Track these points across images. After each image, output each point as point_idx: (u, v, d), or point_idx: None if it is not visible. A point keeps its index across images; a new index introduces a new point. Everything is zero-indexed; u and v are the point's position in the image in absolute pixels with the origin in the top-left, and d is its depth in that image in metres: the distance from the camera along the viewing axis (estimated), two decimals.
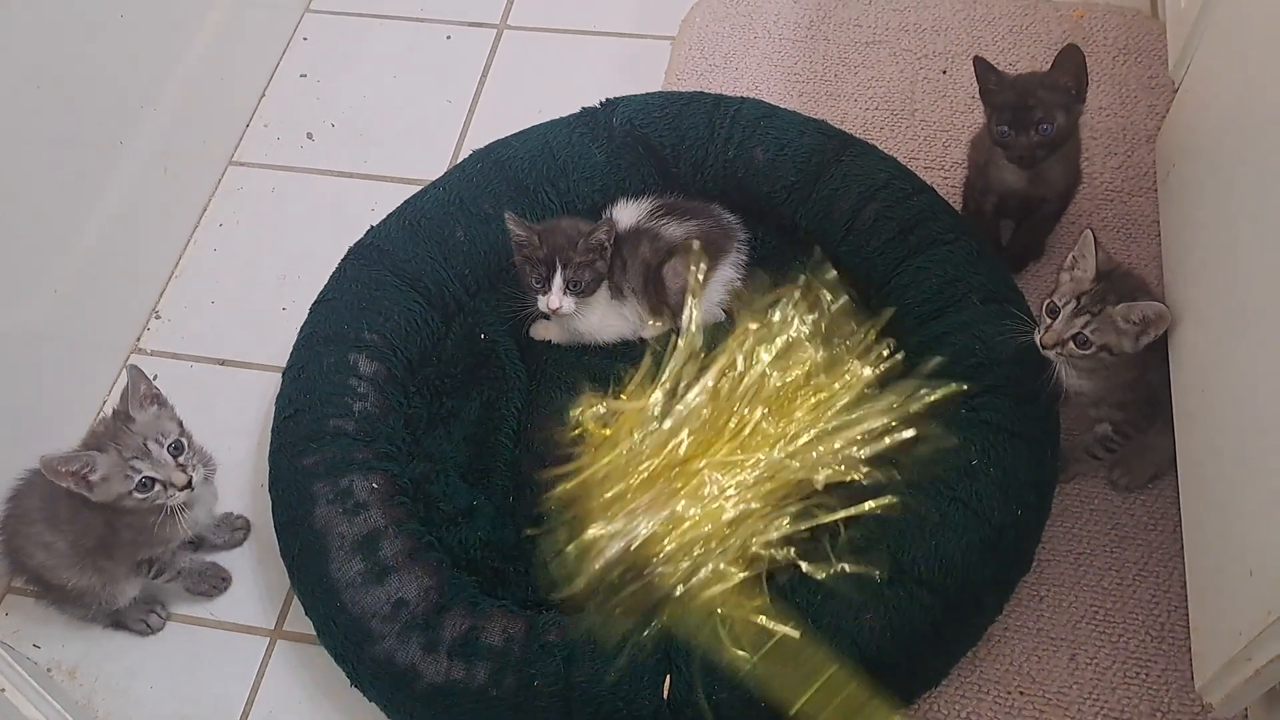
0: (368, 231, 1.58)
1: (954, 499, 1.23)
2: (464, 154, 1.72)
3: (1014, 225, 1.59)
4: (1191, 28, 1.53)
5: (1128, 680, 1.27)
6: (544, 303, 1.45)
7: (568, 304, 1.45)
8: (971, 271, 1.43)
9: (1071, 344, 1.23)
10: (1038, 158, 1.39)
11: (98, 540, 1.28)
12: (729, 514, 1.17)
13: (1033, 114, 1.36)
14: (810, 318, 1.27)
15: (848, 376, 1.22)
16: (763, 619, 1.13)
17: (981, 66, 1.40)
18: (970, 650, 1.27)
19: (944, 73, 1.81)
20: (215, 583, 1.42)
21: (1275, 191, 1.09)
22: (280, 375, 1.48)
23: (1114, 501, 1.38)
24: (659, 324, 1.55)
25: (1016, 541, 1.26)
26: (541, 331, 1.57)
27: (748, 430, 1.21)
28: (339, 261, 1.55)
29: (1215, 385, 1.16)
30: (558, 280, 1.44)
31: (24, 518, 1.30)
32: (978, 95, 1.43)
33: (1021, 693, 1.27)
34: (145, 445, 1.22)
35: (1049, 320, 1.26)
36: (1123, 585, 1.33)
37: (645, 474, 1.20)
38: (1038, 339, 1.26)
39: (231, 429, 1.57)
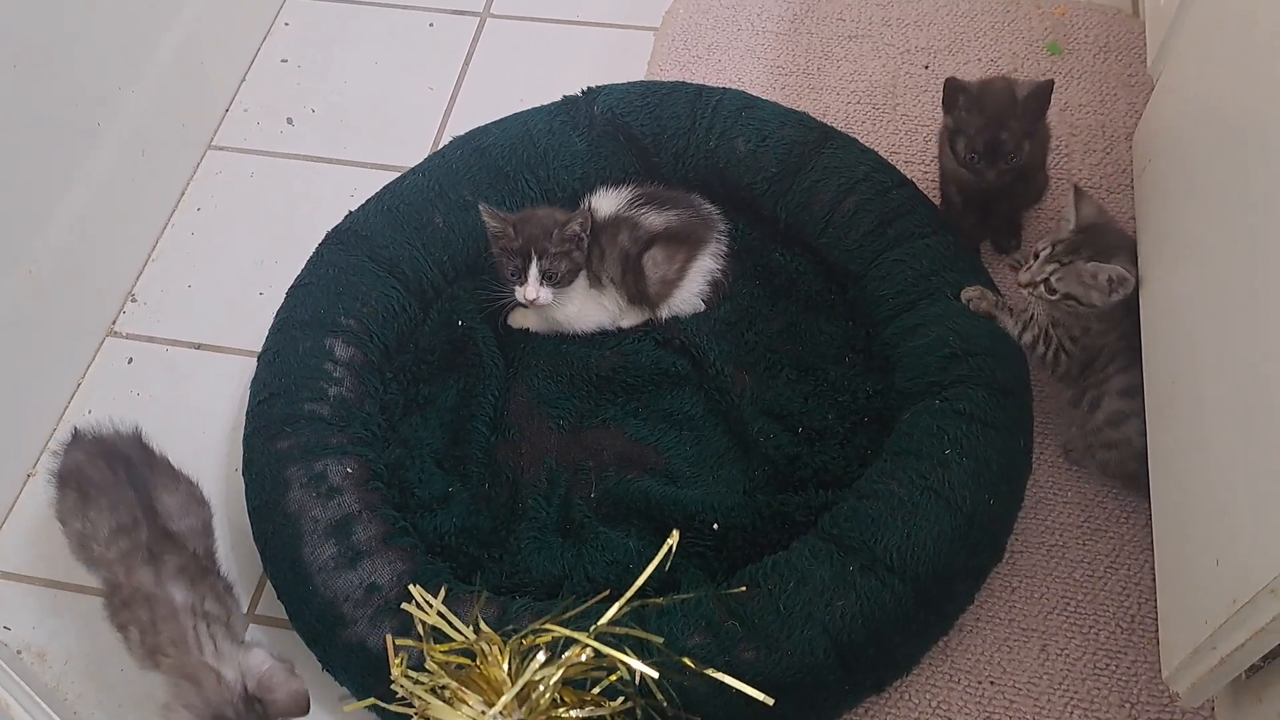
0: (346, 216, 1.57)
1: (927, 488, 1.24)
2: (444, 141, 1.71)
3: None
4: (1170, 24, 1.54)
5: (1097, 671, 1.27)
6: (521, 294, 1.45)
7: (545, 294, 1.45)
8: (947, 266, 1.44)
9: (1043, 287, 1.29)
10: (1002, 183, 1.41)
11: None
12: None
13: (1004, 147, 1.38)
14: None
15: None
16: None
17: (952, 86, 1.41)
18: (941, 639, 1.27)
19: (926, 68, 1.82)
20: None
21: (1245, 186, 1.10)
22: (256, 359, 1.47)
23: (1087, 494, 1.39)
24: (637, 314, 1.55)
25: (988, 531, 1.26)
26: (519, 320, 1.57)
27: None
28: (316, 246, 1.55)
29: (1185, 377, 1.17)
30: (533, 271, 1.44)
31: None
32: (943, 108, 1.44)
33: (992, 682, 1.28)
34: None
35: (1032, 261, 1.31)
36: (1094, 577, 1.33)
37: None
38: (1018, 275, 1.33)
39: (206, 413, 1.56)
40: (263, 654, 1.19)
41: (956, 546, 1.22)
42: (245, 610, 1.40)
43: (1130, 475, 1.32)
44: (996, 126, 1.37)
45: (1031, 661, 1.28)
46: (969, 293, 1.39)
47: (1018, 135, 1.37)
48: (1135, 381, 1.29)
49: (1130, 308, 1.30)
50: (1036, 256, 1.32)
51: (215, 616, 1.18)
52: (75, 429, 1.32)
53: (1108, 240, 1.30)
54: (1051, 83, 1.38)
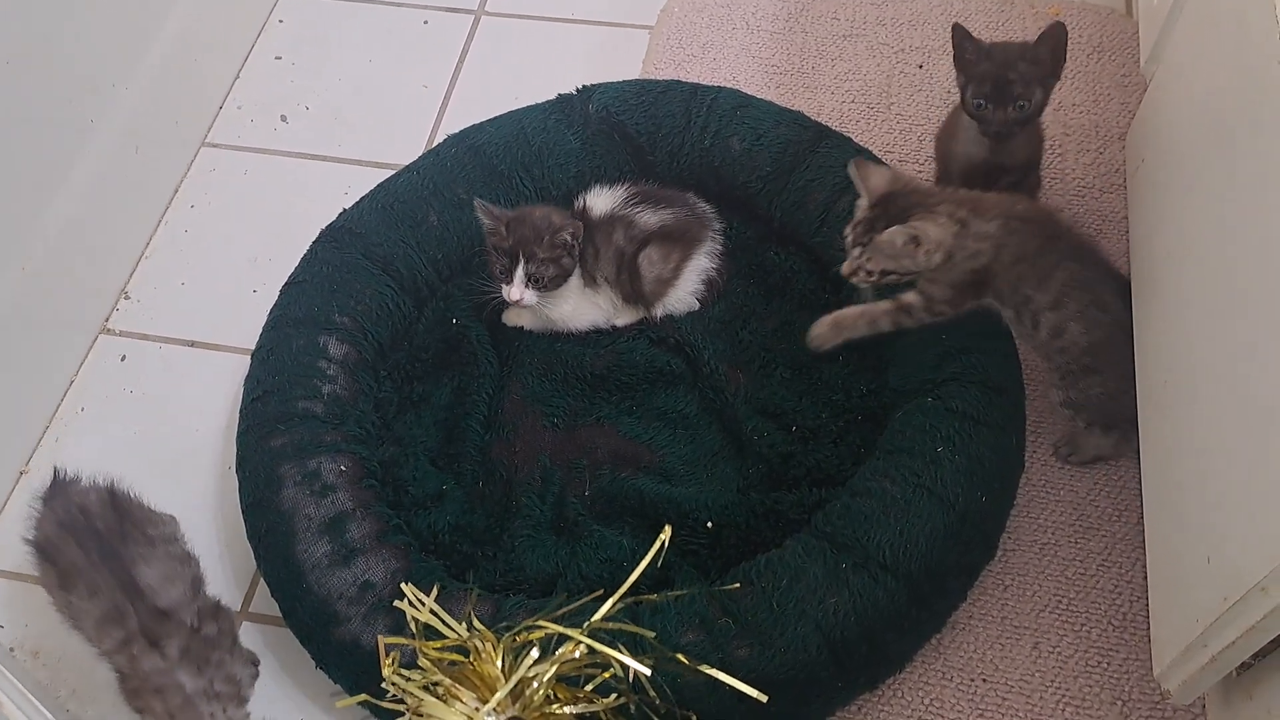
0: (340, 214, 1.57)
1: (919, 486, 1.24)
2: (439, 139, 1.71)
3: None
4: (1163, 24, 1.54)
5: (1089, 669, 1.28)
6: (506, 293, 1.46)
7: (529, 297, 1.45)
8: None
9: (862, 273, 1.28)
10: (1011, 132, 1.39)
11: None
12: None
13: (1012, 89, 1.34)
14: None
15: None
16: None
17: (959, 34, 1.38)
18: (934, 636, 1.28)
19: (920, 67, 1.82)
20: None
21: (1238, 186, 1.10)
22: (250, 357, 1.47)
23: (1079, 493, 1.40)
24: (632, 313, 1.55)
25: (981, 528, 1.26)
26: (514, 318, 1.57)
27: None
28: (310, 244, 1.54)
29: (1177, 376, 1.18)
30: (519, 273, 1.44)
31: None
32: (953, 63, 1.41)
33: (985, 680, 1.28)
34: None
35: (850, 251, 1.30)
36: (1086, 575, 1.34)
37: None
38: (842, 268, 1.31)
39: (200, 410, 1.56)
40: None
41: (949, 544, 1.22)
42: (239, 609, 1.40)
43: (1085, 370, 1.30)
44: (1005, 68, 1.34)
45: (1024, 659, 1.29)
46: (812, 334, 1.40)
47: (1027, 78, 1.34)
48: (1056, 293, 1.27)
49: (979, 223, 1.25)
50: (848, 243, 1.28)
51: (228, 695, 1.17)
52: (49, 484, 1.25)
53: (901, 204, 1.26)
54: (1063, 25, 1.34)
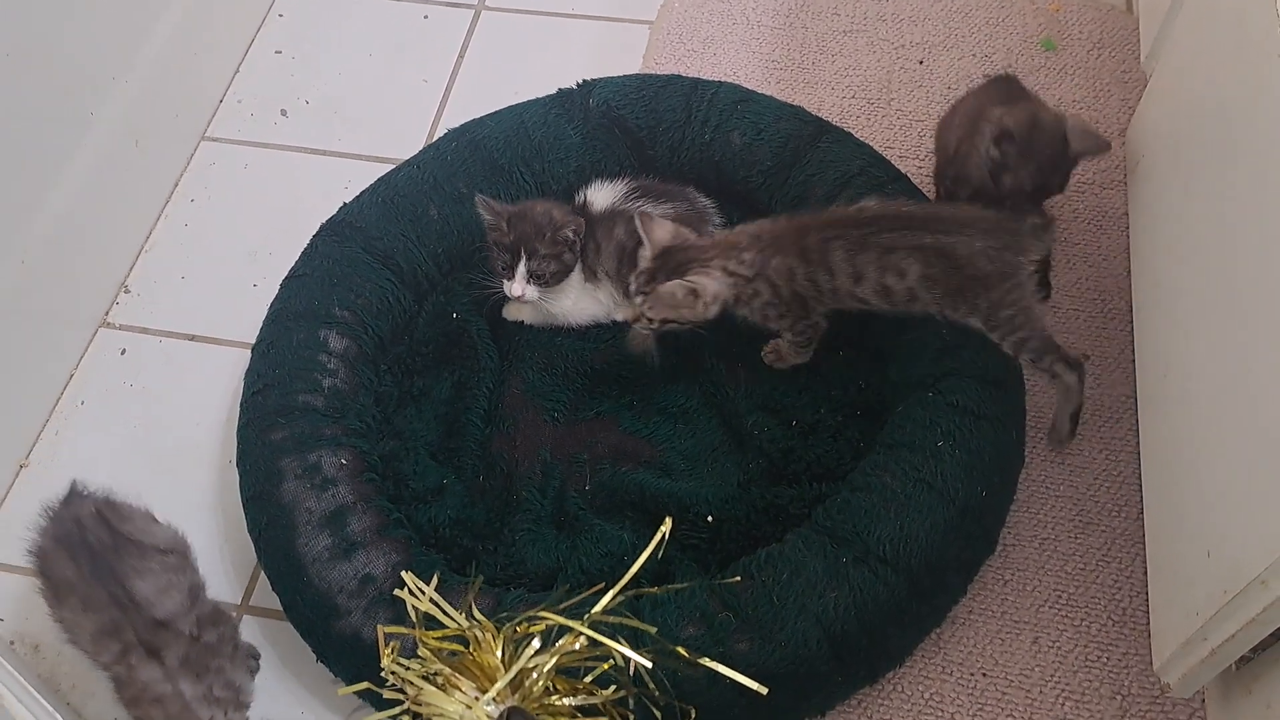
0: (340, 208, 1.57)
1: (919, 480, 1.24)
2: (439, 134, 1.71)
3: None
4: (1163, 21, 1.55)
5: (1089, 663, 1.28)
6: (507, 288, 1.46)
7: (530, 292, 1.46)
8: None
9: (644, 320, 1.33)
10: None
11: None
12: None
13: (1050, 186, 1.37)
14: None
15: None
16: None
17: (1003, 144, 1.35)
18: (934, 631, 1.28)
19: (921, 63, 1.82)
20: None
21: (1237, 182, 1.10)
22: (250, 351, 1.47)
23: (1078, 488, 1.40)
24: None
25: (981, 522, 1.27)
26: (514, 313, 1.57)
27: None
28: (311, 238, 1.54)
29: (1177, 371, 1.18)
30: (521, 270, 1.44)
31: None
32: (993, 144, 1.37)
33: (984, 674, 1.28)
34: None
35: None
36: (1086, 570, 1.34)
37: None
38: (625, 314, 1.37)
39: (200, 404, 1.56)
40: None
41: (949, 538, 1.23)
42: (239, 602, 1.40)
43: (958, 294, 1.29)
44: (1049, 171, 1.36)
45: (1023, 653, 1.29)
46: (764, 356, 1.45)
47: (1063, 172, 1.37)
48: (852, 269, 1.29)
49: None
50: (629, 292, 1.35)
51: (228, 700, 1.17)
52: (63, 495, 1.23)
53: (679, 259, 1.32)
54: (1109, 145, 1.37)
